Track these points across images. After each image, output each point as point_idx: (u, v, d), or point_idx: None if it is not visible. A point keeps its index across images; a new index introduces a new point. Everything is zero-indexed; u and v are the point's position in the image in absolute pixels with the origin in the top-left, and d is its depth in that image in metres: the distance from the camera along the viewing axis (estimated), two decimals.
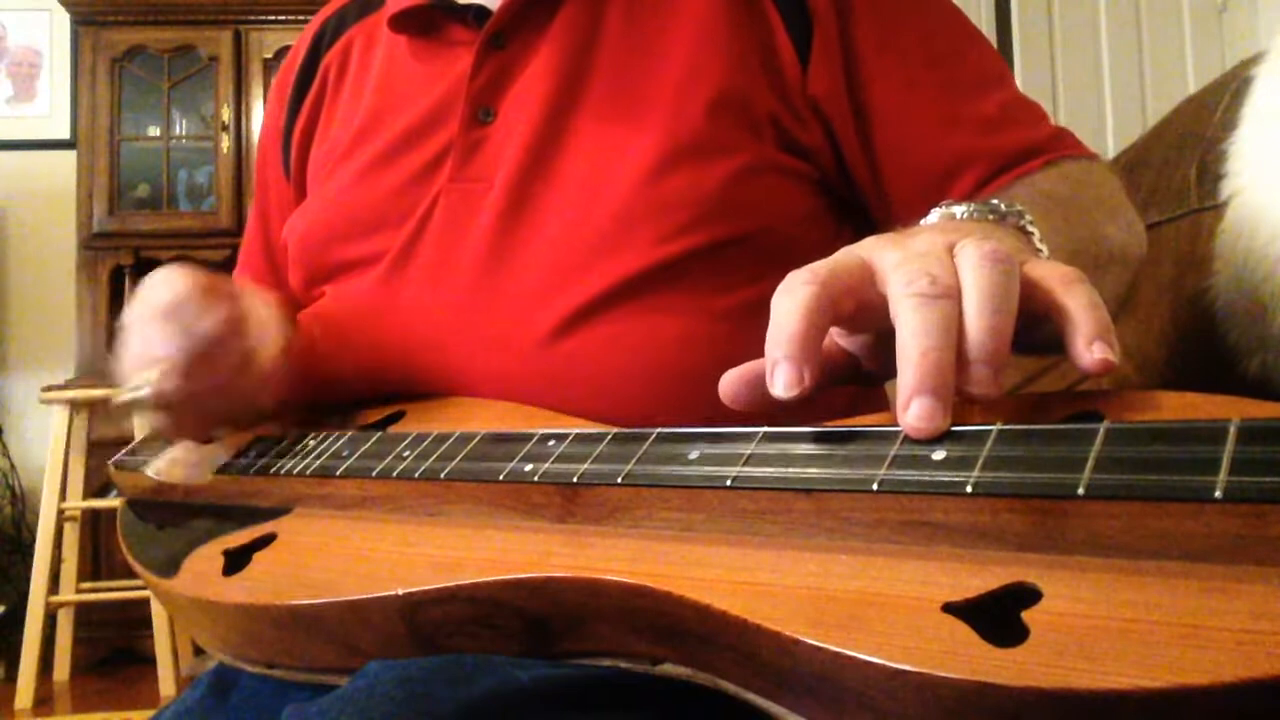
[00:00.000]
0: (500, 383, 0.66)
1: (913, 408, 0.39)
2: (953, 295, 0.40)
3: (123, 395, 0.65)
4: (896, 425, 0.40)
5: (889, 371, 0.42)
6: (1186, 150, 0.89)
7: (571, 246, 0.67)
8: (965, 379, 0.39)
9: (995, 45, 2.98)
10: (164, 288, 0.64)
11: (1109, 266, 0.63)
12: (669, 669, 0.42)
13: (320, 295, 0.79)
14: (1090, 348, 0.40)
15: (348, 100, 0.83)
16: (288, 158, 0.88)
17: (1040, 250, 0.52)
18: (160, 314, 0.64)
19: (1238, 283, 0.78)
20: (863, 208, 0.74)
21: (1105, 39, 3.13)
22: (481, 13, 0.76)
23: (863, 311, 0.43)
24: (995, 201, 0.52)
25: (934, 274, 0.41)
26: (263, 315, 0.67)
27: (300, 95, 0.88)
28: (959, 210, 0.52)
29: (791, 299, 0.41)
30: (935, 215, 0.52)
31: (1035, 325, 0.42)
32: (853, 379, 0.48)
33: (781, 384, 0.40)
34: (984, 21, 3.07)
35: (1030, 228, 0.52)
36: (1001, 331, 0.39)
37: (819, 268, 0.43)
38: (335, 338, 0.75)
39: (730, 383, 0.45)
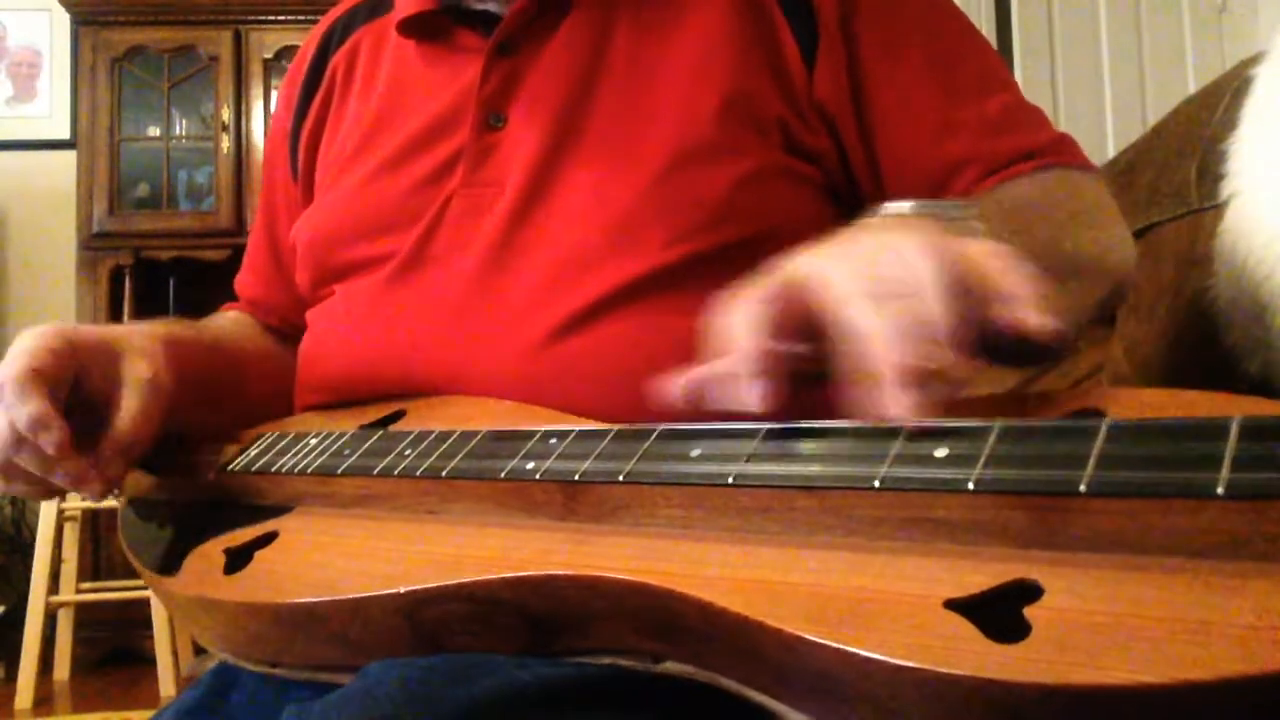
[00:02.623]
0: (504, 382, 0.66)
1: (891, 401, 0.39)
2: (903, 293, 0.41)
3: None
4: (900, 422, 0.40)
5: (835, 372, 0.44)
6: (1186, 150, 0.89)
7: (579, 248, 0.67)
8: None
9: (995, 45, 2.98)
10: (6, 364, 0.65)
11: (1075, 277, 0.64)
12: (670, 667, 0.42)
13: (328, 295, 0.79)
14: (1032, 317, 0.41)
15: (356, 102, 0.84)
16: (295, 158, 0.88)
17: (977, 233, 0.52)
18: None
19: (1238, 283, 0.78)
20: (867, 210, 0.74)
21: (1105, 39, 3.13)
22: (490, 19, 0.76)
23: (813, 318, 0.44)
24: (946, 201, 0.54)
25: (884, 276, 0.42)
26: (130, 394, 0.68)
27: (308, 96, 0.88)
28: (906, 207, 0.53)
29: (741, 318, 0.44)
30: (882, 214, 0.53)
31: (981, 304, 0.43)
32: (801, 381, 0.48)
33: (751, 401, 0.43)
34: (984, 21, 3.07)
35: (976, 223, 0.52)
36: (955, 313, 0.41)
37: (766, 283, 0.45)
38: (340, 334, 0.75)
39: (692, 385, 0.46)
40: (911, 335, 0.40)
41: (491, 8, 0.77)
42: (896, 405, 0.39)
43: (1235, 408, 0.35)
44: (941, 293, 0.41)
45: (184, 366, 0.73)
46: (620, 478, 0.46)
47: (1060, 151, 0.71)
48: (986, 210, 0.55)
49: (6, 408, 0.64)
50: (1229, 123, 0.83)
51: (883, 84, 0.71)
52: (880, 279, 0.42)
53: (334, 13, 0.91)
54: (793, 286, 0.45)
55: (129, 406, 0.68)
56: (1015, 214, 0.59)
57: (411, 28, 0.80)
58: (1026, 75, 3.07)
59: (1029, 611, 0.32)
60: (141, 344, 0.71)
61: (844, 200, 0.74)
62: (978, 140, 0.70)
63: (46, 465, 0.65)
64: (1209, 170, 0.85)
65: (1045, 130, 0.72)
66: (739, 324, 0.44)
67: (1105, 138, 3.04)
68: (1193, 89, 0.99)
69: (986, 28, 3.07)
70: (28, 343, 0.66)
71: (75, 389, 0.67)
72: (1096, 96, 3.11)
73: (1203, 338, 0.82)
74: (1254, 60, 0.85)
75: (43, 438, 0.64)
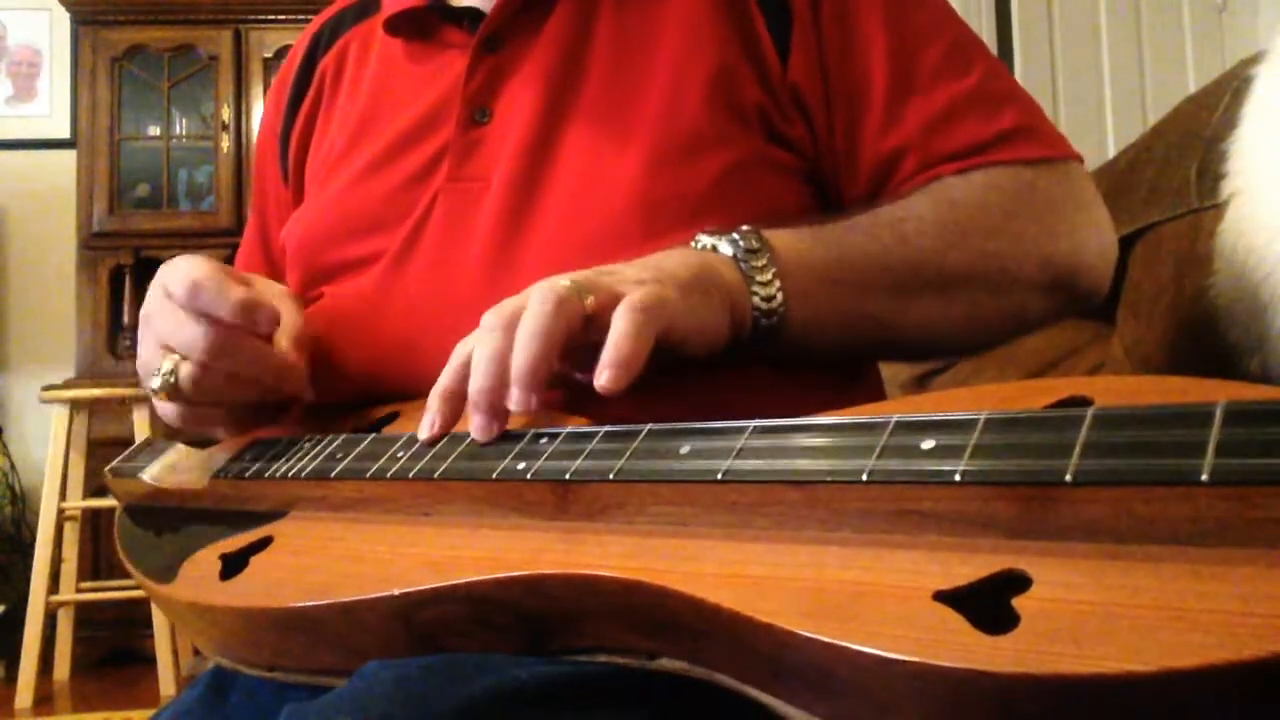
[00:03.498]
0: None
1: (471, 422, 0.54)
2: (505, 328, 0.54)
3: (152, 382, 0.65)
4: (888, 415, 0.40)
5: None
6: (1186, 150, 0.89)
7: (569, 244, 0.67)
8: (507, 397, 0.53)
9: (995, 45, 2.99)
10: (180, 276, 0.65)
11: (928, 290, 0.66)
12: (665, 664, 0.42)
13: (318, 296, 0.79)
14: (600, 374, 0.51)
15: (344, 103, 0.84)
16: (285, 161, 0.88)
17: (753, 279, 0.60)
18: (178, 302, 0.64)
19: (1238, 282, 0.78)
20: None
21: (1105, 39, 3.13)
22: (475, 15, 0.77)
23: None
24: (736, 235, 0.62)
25: (500, 310, 0.55)
26: (279, 302, 0.68)
27: (297, 99, 0.88)
28: (706, 241, 0.62)
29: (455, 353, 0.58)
30: (694, 243, 0.63)
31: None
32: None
33: (424, 429, 0.57)
34: (984, 21, 3.07)
35: (750, 259, 0.61)
36: (525, 358, 0.52)
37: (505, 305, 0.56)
38: (332, 337, 0.75)
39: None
40: (479, 369, 0.54)
41: (477, 4, 0.77)
42: (469, 423, 0.54)
43: (1222, 393, 0.35)
44: (519, 344, 0.52)
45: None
46: (611, 476, 0.46)
47: (1015, 143, 0.70)
48: (785, 239, 0.63)
49: (200, 310, 0.64)
50: (1229, 123, 0.84)
51: (841, 70, 0.71)
52: (498, 313, 0.55)
53: (322, 15, 0.91)
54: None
55: (287, 309, 0.68)
56: (837, 240, 0.65)
57: (398, 26, 0.80)
58: (1026, 75, 3.07)
59: (1017, 602, 0.32)
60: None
61: (825, 191, 0.74)
62: (917, 134, 0.69)
63: (256, 357, 0.65)
64: (1209, 170, 0.85)
65: (1001, 119, 0.70)
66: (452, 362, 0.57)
67: (1105, 138, 3.04)
68: (1193, 89, 0.99)
69: (986, 28, 3.07)
70: (181, 264, 0.66)
71: None
72: (1096, 96, 3.11)
73: (1203, 337, 0.82)
74: (1254, 60, 0.85)
75: (259, 317, 0.64)
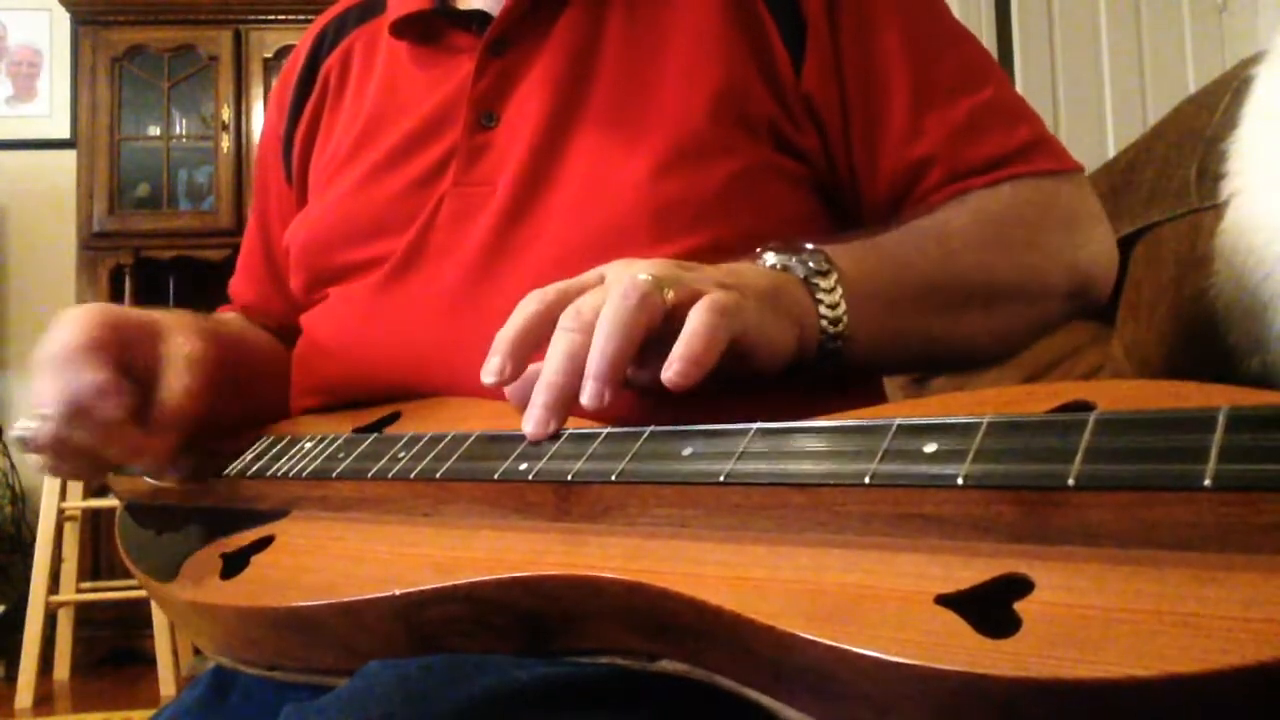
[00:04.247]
0: None
1: (528, 416, 0.52)
2: (584, 330, 0.51)
3: (13, 432, 0.66)
4: (890, 419, 0.40)
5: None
6: (1186, 150, 0.89)
7: (571, 248, 0.67)
8: (582, 393, 0.50)
9: (995, 45, 2.99)
10: (59, 335, 0.65)
11: (973, 303, 0.67)
12: (666, 665, 0.42)
13: (322, 299, 0.79)
14: (668, 367, 0.49)
15: (349, 106, 0.84)
16: (289, 163, 0.88)
17: (820, 300, 0.59)
18: (49, 363, 0.64)
19: (1238, 283, 0.78)
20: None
21: (1105, 39, 3.13)
22: (482, 19, 0.76)
23: None
24: (804, 255, 0.60)
25: (580, 310, 0.52)
26: (170, 368, 0.67)
27: (301, 101, 0.88)
28: (769, 259, 0.61)
29: (519, 310, 0.54)
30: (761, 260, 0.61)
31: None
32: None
33: (486, 370, 0.54)
34: (984, 21, 3.07)
35: (818, 280, 0.60)
36: (607, 353, 0.50)
37: (550, 289, 0.55)
38: (335, 337, 0.75)
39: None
40: (556, 361, 0.51)
41: (484, 7, 0.77)
42: (525, 419, 0.52)
43: (1225, 398, 0.35)
44: (600, 337, 0.50)
45: (219, 351, 0.71)
46: (613, 477, 0.46)
47: (1031, 156, 0.71)
48: (847, 257, 0.62)
49: (64, 379, 0.63)
50: (1229, 123, 0.83)
51: (860, 82, 0.71)
52: (576, 313, 0.52)
53: (325, 16, 0.91)
54: (572, 295, 0.54)
55: (177, 380, 0.66)
56: (891, 256, 0.65)
57: (404, 29, 0.80)
58: (1026, 75, 3.07)
59: (1019, 606, 0.32)
60: (183, 323, 0.70)
61: (833, 197, 0.74)
62: (942, 146, 0.70)
63: (107, 436, 0.64)
64: (1209, 170, 0.85)
65: (1019, 131, 0.72)
66: (516, 318, 0.54)
67: (1105, 138, 3.04)
68: (1193, 89, 0.99)
69: (986, 28, 3.07)
70: (74, 318, 0.65)
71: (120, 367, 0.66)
72: (1096, 96, 3.11)
73: (1203, 337, 0.82)
74: (1254, 60, 0.85)
75: (108, 403, 0.63)
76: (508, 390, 0.55)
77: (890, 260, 0.64)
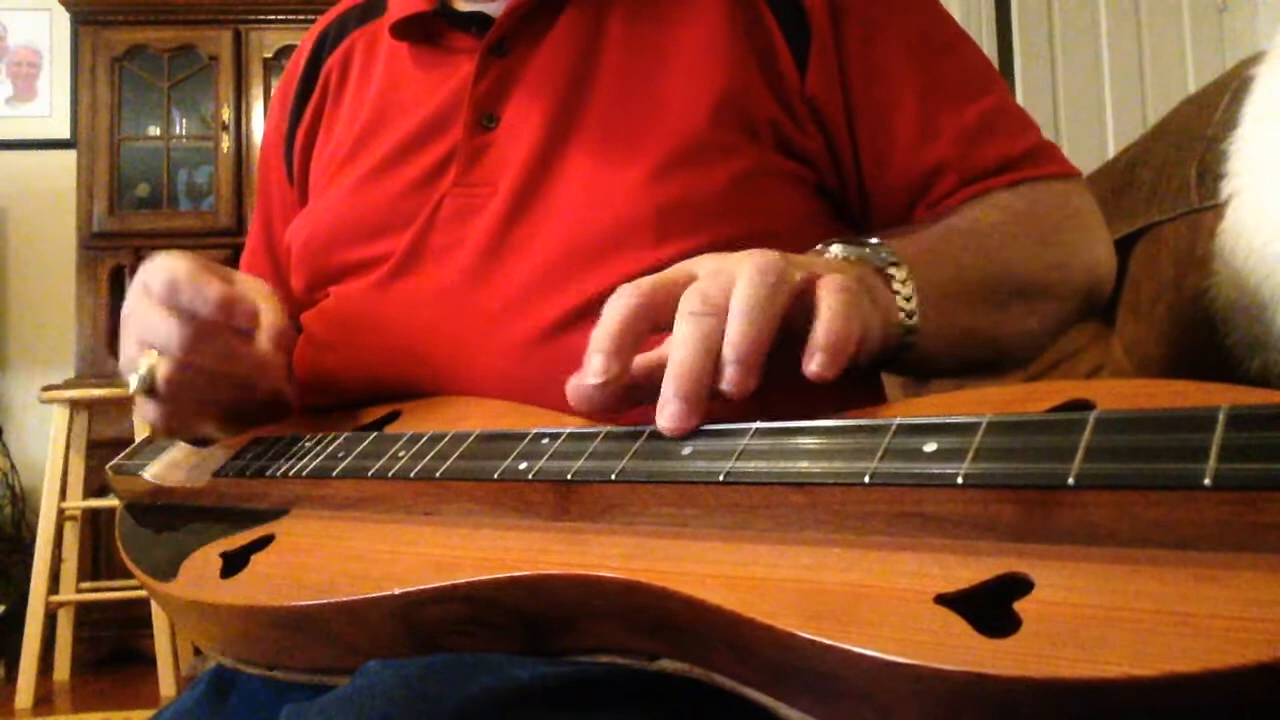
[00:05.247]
0: (497, 382, 0.66)
1: (665, 410, 0.46)
2: (717, 313, 0.46)
3: (130, 381, 0.65)
4: (890, 418, 0.40)
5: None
6: (1186, 150, 0.89)
7: (572, 248, 0.67)
8: (720, 379, 0.45)
9: (995, 46, 2.99)
10: (158, 273, 0.64)
11: (1015, 300, 0.66)
12: (666, 665, 0.42)
13: (323, 298, 0.79)
14: (811, 358, 0.46)
15: (349, 106, 0.84)
16: (290, 163, 0.88)
17: (897, 292, 0.57)
18: (155, 298, 0.64)
19: (1238, 283, 0.78)
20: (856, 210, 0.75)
21: (1105, 39, 3.13)
22: (483, 21, 0.76)
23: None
24: (871, 247, 0.58)
25: (707, 293, 0.47)
26: (259, 299, 0.67)
27: (302, 101, 0.88)
28: (836, 250, 0.58)
29: (615, 305, 0.49)
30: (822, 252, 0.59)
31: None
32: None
33: (591, 371, 0.47)
34: (984, 21, 3.07)
35: (892, 270, 0.58)
36: (748, 336, 0.45)
37: (645, 281, 0.50)
38: (335, 336, 0.75)
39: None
40: (688, 349, 0.46)
41: (485, 8, 0.77)
42: (661, 414, 0.46)
43: (1225, 397, 0.35)
44: (740, 318, 0.46)
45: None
46: (612, 476, 0.46)
47: (1039, 160, 0.72)
48: (909, 250, 0.60)
49: (182, 302, 0.63)
50: (1229, 123, 0.83)
51: (867, 85, 0.71)
52: (704, 297, 0.47)
53: (327, 17, 0.91)
54: (664, 289, 0.50)
55: (267, 307, 0.67)
56: (943, 253, 0.63)
57: (404, 30, 0.80)
58: (1026, 75, 3.07)
59: (1019, 605, 0.32)
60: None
61: (836, 199, 0.74)
62: (953, 147, 0.70)
63: (232, 351, 0.64)
64: (1209, 170, 0.85)
65: (1025, 137, 0.73)
66: (608, 312, 0.49)
67: (1105, 138, 3.04)
68: (1193, 89, 0.99)
69: (986, 28, 3.07)
70: (167, 260, 0.65)
71: None
72: (1096, 96, 3.11)
73: (1203, 337, 0.82)
74: (1254, 60, 0.85)
75: (236, 311, 0.63)
76: (592, 395, 0.48)
77: (942, 256, 0.63)
